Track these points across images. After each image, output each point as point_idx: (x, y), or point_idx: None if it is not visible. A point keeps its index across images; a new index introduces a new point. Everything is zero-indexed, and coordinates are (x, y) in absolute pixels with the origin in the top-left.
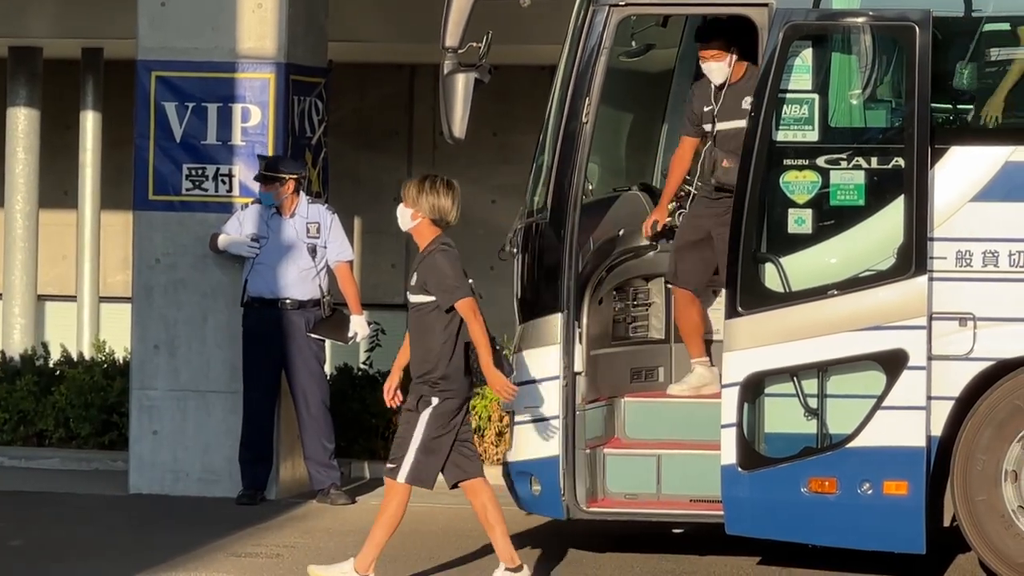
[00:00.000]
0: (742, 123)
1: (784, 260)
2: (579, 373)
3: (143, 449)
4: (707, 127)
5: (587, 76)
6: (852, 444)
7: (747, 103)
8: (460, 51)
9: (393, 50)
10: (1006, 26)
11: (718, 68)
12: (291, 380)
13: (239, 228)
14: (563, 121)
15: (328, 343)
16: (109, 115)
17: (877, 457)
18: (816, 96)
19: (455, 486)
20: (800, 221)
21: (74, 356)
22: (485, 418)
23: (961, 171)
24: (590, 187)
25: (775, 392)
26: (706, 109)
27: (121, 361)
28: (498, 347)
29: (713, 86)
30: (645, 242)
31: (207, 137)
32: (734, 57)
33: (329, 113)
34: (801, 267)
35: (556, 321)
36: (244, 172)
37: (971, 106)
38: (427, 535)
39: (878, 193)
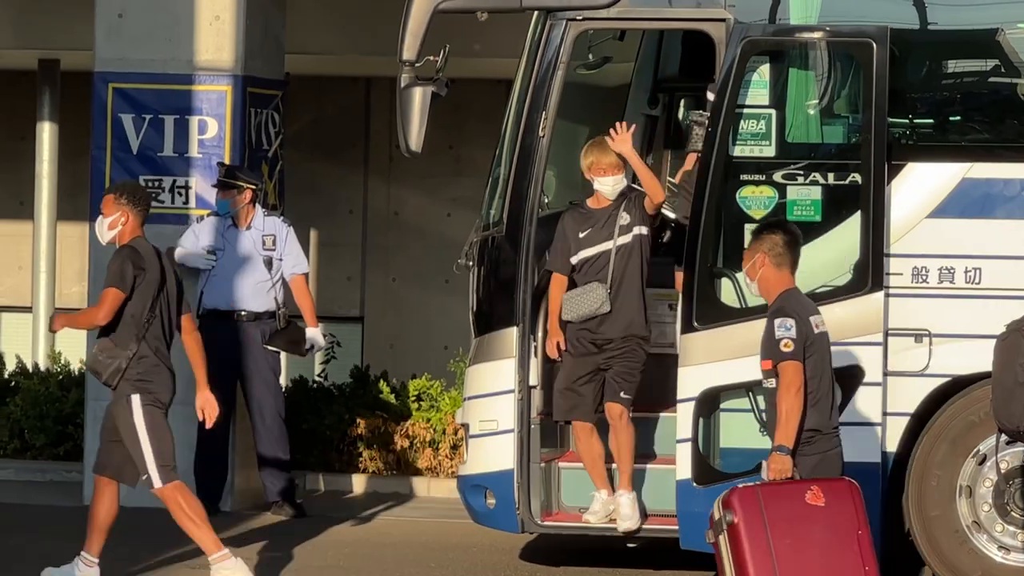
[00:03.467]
0: None
1: (740, 275)
2: (534, 386)
3: None
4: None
5: (544, 89)
6: None
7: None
8: (417, 64)
9: (349, 63)
10: (963, 42)
11: None
12: (247, 392)
13: (195, 241)
14: (520, 134)
15: (283, 355)
16: (66, 126)
17: None
18: (773, 111)
19: None
20: None
21: (29, 367)
22: (440, 431)
23: (918, 187)
24: (546, 200)
25: (730, 407)
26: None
27: (77, 372)
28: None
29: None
30: None
31: (164, 149)
32: None
33: (285, 125)
34: None
35: (511, 334)
36: (201, 184)
37: (928, 122)
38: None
39: (835, 209)
